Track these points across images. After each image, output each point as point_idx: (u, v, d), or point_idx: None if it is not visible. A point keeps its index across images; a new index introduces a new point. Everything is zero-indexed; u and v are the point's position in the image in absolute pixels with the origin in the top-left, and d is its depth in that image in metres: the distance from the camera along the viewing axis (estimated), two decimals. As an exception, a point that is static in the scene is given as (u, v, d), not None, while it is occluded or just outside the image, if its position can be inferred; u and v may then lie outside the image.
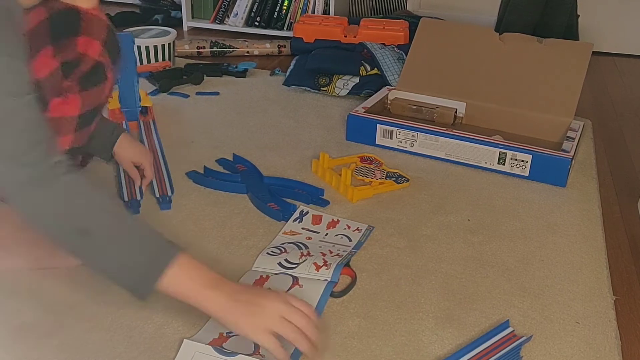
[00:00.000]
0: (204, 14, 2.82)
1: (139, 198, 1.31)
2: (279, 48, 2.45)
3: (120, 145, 1.25)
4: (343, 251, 1.17)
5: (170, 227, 1.24)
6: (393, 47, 2.11)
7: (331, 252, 1.15)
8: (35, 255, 1.07)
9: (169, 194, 1.34)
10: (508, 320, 0.99)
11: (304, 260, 1.11)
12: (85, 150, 1.09)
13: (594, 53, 1.73)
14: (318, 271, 1.08)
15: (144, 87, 1.92)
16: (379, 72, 1.97)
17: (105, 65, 0.97)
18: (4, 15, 0.81)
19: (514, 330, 0.98)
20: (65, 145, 0.98)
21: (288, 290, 1.04)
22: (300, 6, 2.68)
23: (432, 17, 2.15)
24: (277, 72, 2.19)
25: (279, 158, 1.56)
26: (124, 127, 1.65)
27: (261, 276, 1.08)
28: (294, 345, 0.86)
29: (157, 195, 1.33)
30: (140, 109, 1.70)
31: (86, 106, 0.97)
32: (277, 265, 1.11)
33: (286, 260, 1.12)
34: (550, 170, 1.47)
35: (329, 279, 1.07)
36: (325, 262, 1.10)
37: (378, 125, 1.63)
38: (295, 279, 1.06)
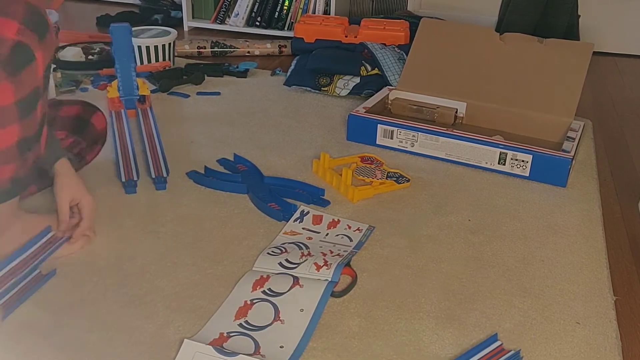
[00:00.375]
0: (205, 14, 2.82)
1: (135, 178, 1.38)
2: (279, 48, 2.45)
3: (59, 175, 1.12)
4: (344, 251, 1.17)
5: (171, 226, 1.24)
6: (394, 47, 2.11)
7: (332, 252, 1.15)
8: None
9: (164, 174, 1.40)
10: (496, 334, 0.99)
11: (305, 260, 1.11)
12: (37, 139, 1.01)
13: (594, 53, 1.73)
14: (319, 271, 1.08)
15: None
16: (379, 72, 1.97)
17: (29, 45, 0.90)
18: None
19: (502, 344, 0.97)
20: (14, 137, 0.93)
21: (289, 290, 1.05)
22: (301, 6, 2.68)
23: (432, 17, 2.16)
24: (278, 72, 2.19)
25: (279, 158, 1.56)
26: (123, 115, 1.70)
27: (262, 276, 1.08)
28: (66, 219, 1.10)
29: (153, 176, 1.40)
30: (138, 97, 1.74)
31: (21, 91, 0.90)
32: (278, 265, 1.11)
33: (287, 260, 1.12)
34: (550, 171, 1.47)
35: (330, 279, 1.07)
36: (325, 262, 1.10)
37: (379, 125, 1.63)
38: (296, 279, 1.07)
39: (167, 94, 1.96)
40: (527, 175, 1.49)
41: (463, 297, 1.07)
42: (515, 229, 1.29)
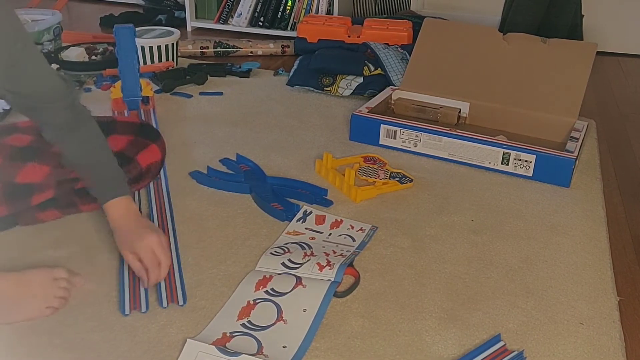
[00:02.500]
0: (208, 14, 2.82)
1: (143, 310, 1.00)
2: (282, 48, 2.45)
3: (118, 224, 1.08)
4: (347, 251, 1.16)
5: (175, 226, 1.24)
6: (396, 47, 2.11)
7: (334, 252, 1.15)
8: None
9: (180, 303, 1.02)
10: (500, 335, 0.98)
11: (308, 261, 1.11)
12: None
13: (598, 53, 1.73)
14: (321, 271, 1.08)
15: (148, 87, 1.92)
16: (382, 72, 1.97)
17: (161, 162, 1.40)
18: None
19: (505, 344, 0.97)
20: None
21: (291, 290, 1.05)
22: (304, 6, 2.68)
23: (435, 17, 2.15)
24: (280, 72, 2.19)
25: (282, 158, 1.56)
26: (125, 114, 1.72)
27: (264, 276, 1.08)
28: (143, 274, 1.03)
29: (165, 305, 1.01)
30: (141, 98, 1.75)
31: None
32: (281, 265, 1.11)
33: (290, 260, 1.12)
34: (554, 171, 1.47)
35: (333, 279, 1.07)
36: (328, 262, 1.10)
37: (382, 125, 1.63)
38: (299, 279, 1.06)
39: (170, 94, 1.96)
40: (531, 175, 1.49)
41: (466, 298, 1.07)
42: (519, 229, 1.29)
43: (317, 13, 2.66)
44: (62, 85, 1.06)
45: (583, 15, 2.54)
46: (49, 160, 1.19)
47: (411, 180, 1.45)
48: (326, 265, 1.09)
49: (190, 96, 1.95)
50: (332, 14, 2.64)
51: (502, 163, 1.51)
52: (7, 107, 1.64)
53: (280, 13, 2.71)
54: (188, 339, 0.93)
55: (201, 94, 1.97)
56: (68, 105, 1.07)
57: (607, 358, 0.95)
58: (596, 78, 2.29)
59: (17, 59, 0.96)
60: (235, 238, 1.21)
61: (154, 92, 1.91)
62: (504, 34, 1.79)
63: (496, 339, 0.97)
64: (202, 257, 1.15)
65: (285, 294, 1.04)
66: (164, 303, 1.01)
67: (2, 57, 0.94)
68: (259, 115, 1.83)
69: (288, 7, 2.70)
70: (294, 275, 1.08)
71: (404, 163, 1.56)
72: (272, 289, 1.05)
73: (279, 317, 0.99)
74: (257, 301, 1.02)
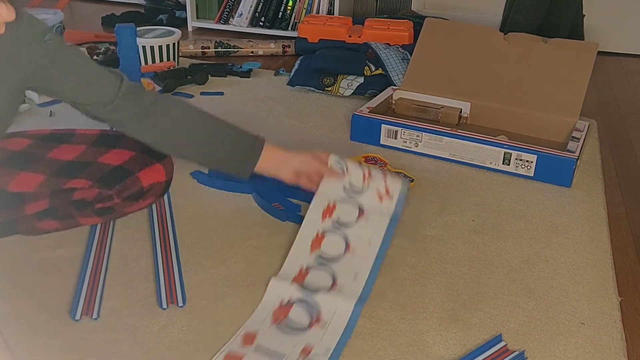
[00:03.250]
0: (209, 14, 2.82)
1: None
2: (283, 48, 2.45)
3: (271, 161, 1.20)
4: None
5: (175, 226, 1.24)
6: (397, 47, 2.11)
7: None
8: None
9: (180, 304, 1.02)
10: (501, 335, 0.98)
11: (367, 187, 1.16)
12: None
13: (599, 53, 1.72)
14: (381, 201, 1.14)
15: (149, 87, 1.92)
16: (383, 72, 1.97)
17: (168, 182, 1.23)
18: None
19: (506, 345, 0.96)
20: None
21: (356, 221, 1.12)
22: (305, 6, 2.68)
23: (436, 17, 2.15)
24: (281, 72, 2.20)
25: (283, 158, 1.55)
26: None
27: (329, 204, 1.14)
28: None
29: (164, 307, 1.02)
30: None
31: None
32: (342, 191, 1.16)
33: (350, 183, 1.16)
34: (555, 171, 1.47)
35: (392, 213, 1.14)
36: (387, 190, 1.15)
37: (382, 125, 1.63)
38: (362, 210, 1.13)
39: (172, 94, 1.96)
40: (532, 175, 1.49)
41: (467, 298, 1.07)
42: (520, 229, 1.29)
43: (318, 13, 2.66)
44: (109, 79, 1.07)
45: (584, 15, 2.54)
46: (43, 169, 1.10)
47: (412, 181, 1.45)
48: (385, 194, 1.14)
49: (191, 96, 1.95)
50: (333, 14, 2.64)
51: (503, 163, 1.51)
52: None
53: (281, 13, 2.71)
54: (272, 278, 1.04)
55: (202, 94, 1.97)
56: (122, 95, 1.07)
57: (608, 358, 0.95)
58: (597, 78, 2.29)
59: (50, 75, 1.00)
60: (236, 238, 1.21)
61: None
62: (505, 34, 1.79)
63: (497, 339, 0.97)
64: (203, 257, 1.15)
65: (350, 225, 1.11)
66: (164, 304, 1.01)
67: (36, 76, 0.98)
68: (259, 115, 1.83)
69: (289, 7, 2.70)
70: (358, 206, 1.14)
71: (405, 163, 1.56)
72: (338, 220, 1.11)
73: (347, 249, 1.07)
74: (326, 233, 1.10)
